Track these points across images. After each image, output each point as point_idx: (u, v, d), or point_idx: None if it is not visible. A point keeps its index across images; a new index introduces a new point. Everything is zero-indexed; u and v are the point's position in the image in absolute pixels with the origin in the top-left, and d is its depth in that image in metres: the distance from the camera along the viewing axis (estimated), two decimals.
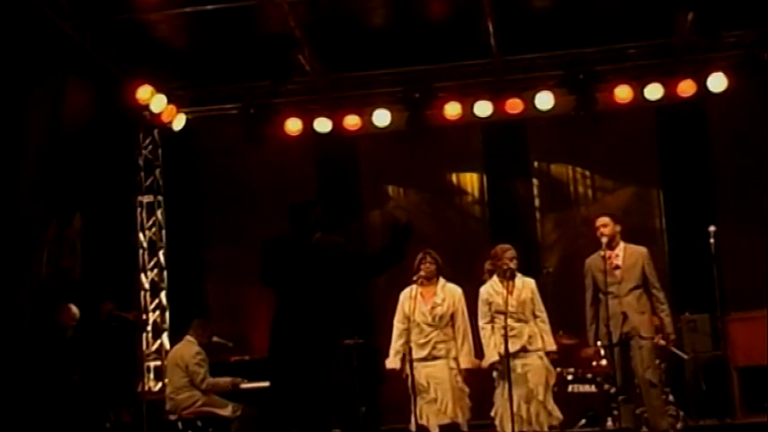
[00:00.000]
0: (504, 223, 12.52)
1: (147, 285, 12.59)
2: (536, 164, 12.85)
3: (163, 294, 12.70)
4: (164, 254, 12.80)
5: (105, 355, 10.30)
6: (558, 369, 9.28)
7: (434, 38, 11.67)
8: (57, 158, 10.19)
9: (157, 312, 12.59)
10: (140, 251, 12.59)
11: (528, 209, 12.75)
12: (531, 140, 12.78)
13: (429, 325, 8.45)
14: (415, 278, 8.49)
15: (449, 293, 8.55)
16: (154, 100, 11.78)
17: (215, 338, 9.66)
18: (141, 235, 12.65)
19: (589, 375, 9.24)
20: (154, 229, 12.75)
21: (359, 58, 12.00)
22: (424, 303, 8.49)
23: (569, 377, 9.26)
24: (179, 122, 12.37)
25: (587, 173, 12.74)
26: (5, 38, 9.23)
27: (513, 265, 8.60)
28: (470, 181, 12.96)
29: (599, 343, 8.64)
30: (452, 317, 8.53)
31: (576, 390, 9.20)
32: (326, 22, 11.47)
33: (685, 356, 9.55)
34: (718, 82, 11.66)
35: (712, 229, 9.07)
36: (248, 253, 12.93)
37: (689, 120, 12.39)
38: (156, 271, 12.69)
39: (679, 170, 12.44)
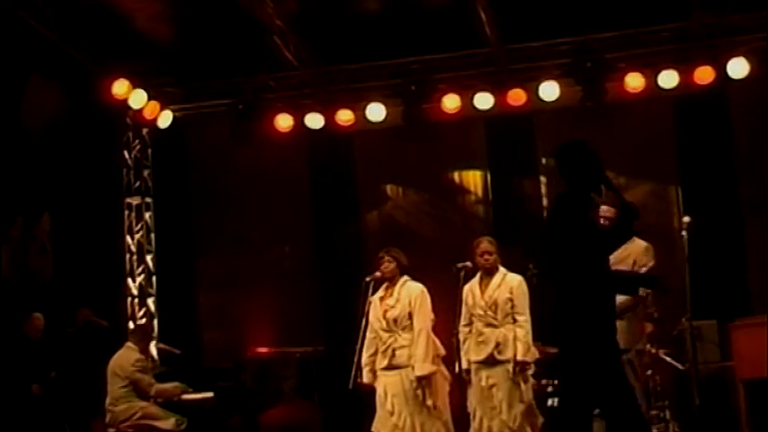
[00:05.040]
0: (510, 224, 11.72)
1: (134, 291, 12.03)
2: (544, 160, 12.00)
3: (151, 301, 12.12)
4: (152, 258, 12.23)
5: (75, 363, 9.81)
6: (544, 381, 8.41)
7: (432, 26, 10.95)
8: (17, 157, 9.69)
9: (145, 320, 11.99)
10: (128, 255, 12.04)
11: (535, 209, 11.86)
12: (538, 135, 11.97)
13: (385, 331, 7.59)
14: (368, 279, 7.67)
15: (405, 293, 7.65)
16: (132, 95, 11.22)
17: (160, 345, 9.02)
18: (129, 238, 12.09)
19: None
20: (142, 233, 12.19)
21: (351, 50, 11.36)
22: (379, 308, 7.67)
23: (549, 389, 8.39)
24: (165, 120, 11.81)
25: None
26: None
27: (488, 261, 7.73)
28: (473, 179, 12.20)
29: None
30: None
31: (555, 404, 8.29)
32: (315, 10, 10.86)
33: (682, 367, 8.61)
34: (738, 67, 10.77)
35: (686, 219, 8.11)
36: (241, 256, 12.58)
37: (709, 110, 11.48)
38: (143, 276, 12.12)
39: (699, 164, 11.51)
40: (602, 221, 7.62)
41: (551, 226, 5.71)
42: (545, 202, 11.91)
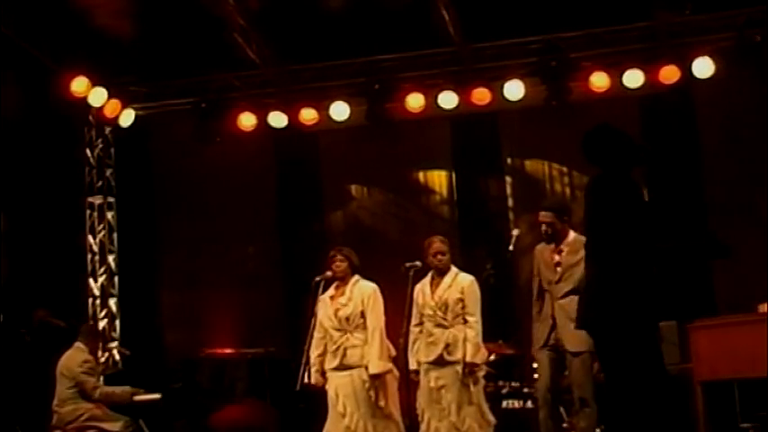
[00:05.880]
0: (475, 224, 11.67)
1: (96, 291, 11.89)
2: (509, 160, 11.94)
3: (113, 301, 11.97)
4: (114, 258, 12.08)
5: (29, 363, 9.66)
6: (501, 382, 8.31)
7: (396, 25, 10.86)
8: None
9: (106, 320, 11.85)
10: (89, 255, 11.90)
11: (500, 209, 11.83)
12: (503, 135, 11.88)
13: (337, 330, 7.45)
14: (318, 278, 7.56)
15: (357, 292, 7.52)
16: (92, 93, 11.08)
17: (111, 346, 8.88)
18: (91, 238, 11.95)
19: (526, 390, 8.23)
20: (104, 232, 12.04)
21: (314, 48, 11.26)
22: (330, 306, 7.55)
23: (504, 391, 8.28)
24: (127, 118, 11.67)
25: (565, 169, 11.76)
26: None
27: (441, 261, 7.61)
28: (438, 179, 12.09)
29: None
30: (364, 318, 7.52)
31: (510, 406, 8.20)
32: (277, 8, 10.76)
33: None
34: (703, 67, 10.70)
35: None
36: (204, 256, 12.44)
37: (675, 110, 11.41)
38: (105, 276, 11.98)
39: (665, 164, 11.29)
40: (542, 228, 7.59)
41: (598, 209, 5.51)
42: (510, 202, 11.84)
